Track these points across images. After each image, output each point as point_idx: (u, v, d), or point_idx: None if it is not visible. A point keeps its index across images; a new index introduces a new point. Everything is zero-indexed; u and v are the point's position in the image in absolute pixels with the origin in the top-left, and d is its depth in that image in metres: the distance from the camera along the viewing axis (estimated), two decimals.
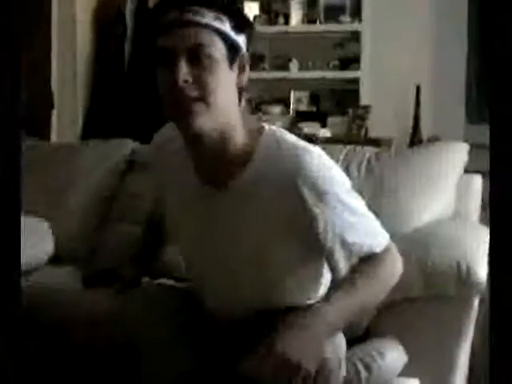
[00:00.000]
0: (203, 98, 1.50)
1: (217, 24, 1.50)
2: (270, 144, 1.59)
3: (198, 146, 1.58)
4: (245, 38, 1.57)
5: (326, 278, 1.75)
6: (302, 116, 4.74)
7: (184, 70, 1.49)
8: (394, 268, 1.65)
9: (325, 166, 1.58)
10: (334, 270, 1.64)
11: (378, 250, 1.62)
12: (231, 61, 1.54)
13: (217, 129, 1.55)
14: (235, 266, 1.66)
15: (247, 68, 1.59)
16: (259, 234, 1.61)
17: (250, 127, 1.62)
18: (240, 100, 1.61)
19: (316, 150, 1.59)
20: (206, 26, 1.49)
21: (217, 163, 1.60)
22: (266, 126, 1.63)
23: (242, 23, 1.56)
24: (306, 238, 1.60)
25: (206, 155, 1.60)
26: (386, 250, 1.64)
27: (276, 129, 1.65)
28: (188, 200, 1.68)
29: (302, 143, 1.61)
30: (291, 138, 1.62)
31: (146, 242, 2.06)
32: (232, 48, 1.54)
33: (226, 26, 1.52)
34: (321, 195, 1.55)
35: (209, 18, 1.50)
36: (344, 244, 1.59)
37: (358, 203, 1.64)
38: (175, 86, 1.49)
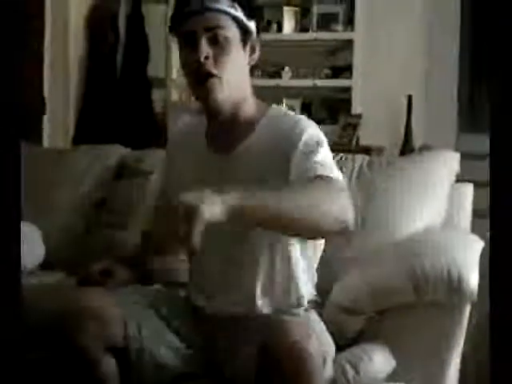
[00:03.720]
0: (219, 75, 1.73)
1: (232, 11, 1.74)
2: (274, 117, 1.81)
3: (214, 115, 1.79)
4: (254, 24, 1.79)
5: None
6: None
7: (205, 48, 1.71)
8: (336, 200, 1.59)
9: (320, 133, 1.75)
10: None
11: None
12: (244, 42, 1.78)
13: (230, 101, 1.76)
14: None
15: (257, 50, 1.82)
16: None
17: (259, 103, 1.85)
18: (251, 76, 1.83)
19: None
20: (223, 12, 1.73)
21: (228, 131, 1.80)
22: (274, 105, 1.85)
23: (251, 11, 1.80)
24: None
25: (220, 124, 1.80)
26: (336, 187, 1.63)
27: (282, 107, 1.89)
28: (196, 169, 1.84)
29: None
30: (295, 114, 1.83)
31: (145, 245, 2.08)
32: (244, 32, 1.77)
33: (239, 13, 1.75)
34: (314, 146, 1.69)
35: (225, 5, 1.73)
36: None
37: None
38: (198, 62, 1.71)
